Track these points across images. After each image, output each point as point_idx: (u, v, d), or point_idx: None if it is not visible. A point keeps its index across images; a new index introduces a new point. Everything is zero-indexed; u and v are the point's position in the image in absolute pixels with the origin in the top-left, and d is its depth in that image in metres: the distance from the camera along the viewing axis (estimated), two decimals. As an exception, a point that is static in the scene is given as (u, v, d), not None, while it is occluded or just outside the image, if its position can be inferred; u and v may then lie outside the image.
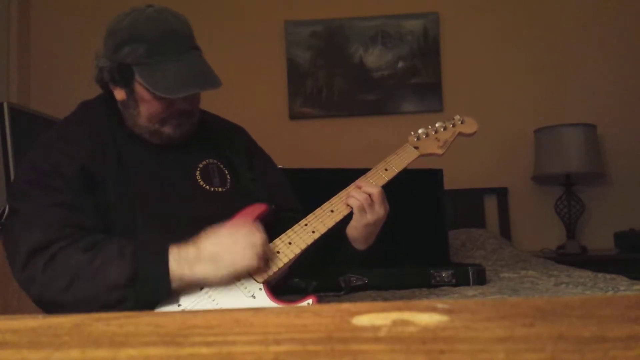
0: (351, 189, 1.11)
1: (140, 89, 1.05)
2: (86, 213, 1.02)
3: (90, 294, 0.93)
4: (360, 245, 1.13)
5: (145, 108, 1.07)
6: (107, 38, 1.07)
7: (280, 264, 1.03)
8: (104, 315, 0.29)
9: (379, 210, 1.08)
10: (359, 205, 1.08)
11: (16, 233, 1.01)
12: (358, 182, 1.12)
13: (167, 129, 1.09)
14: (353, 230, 1.11)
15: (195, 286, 0.99)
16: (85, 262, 0.94)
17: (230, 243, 0.97)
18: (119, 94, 1.09)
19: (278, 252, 1.04)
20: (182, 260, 0.95)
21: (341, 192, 1.12)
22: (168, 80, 1.02)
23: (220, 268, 0.96)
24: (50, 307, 0.98)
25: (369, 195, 1.08)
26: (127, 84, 1.07)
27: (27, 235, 0.98)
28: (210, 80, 1.06)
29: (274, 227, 1.12)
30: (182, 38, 1.06)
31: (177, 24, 1.06)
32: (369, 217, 1.08)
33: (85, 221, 1.01)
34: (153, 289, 0.94)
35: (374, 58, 3.00)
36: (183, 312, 0.30)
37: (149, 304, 0.95)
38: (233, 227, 0.99)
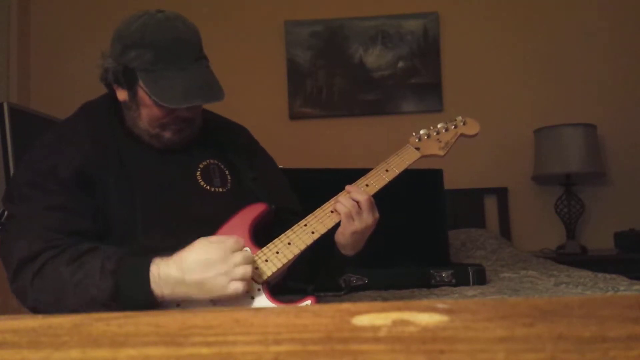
0: (340, 195, 1.10)
1: (142, 94, 1.05)
2: (82, 215, 1.02)
3: (75, 308, 0.93)
4: (348, 252, 1.11)
5: (146, 112, 1.07)
6: (115, 39, 1.06)
7: (280, 265, 1.02)
8: (104, 315, 0.29)
9: (367, 219, 1.07)
10: (346, 212, 1.06)
11: (10, 239, 1.01)
12: (348, 187, 1.11)
13: (167, 134, 1.09)
14: (340, 236, 1.09)
15: None
16: (68, 275, 0.94)
17: (218, 268, 0.92)
18: (122, 95, 1.09)
19: (277, 253, 1.04)
20: (161, 282, 0.93)
21: (342, 192, 1.12)
22: (171, 90, 1.01)
23: (205, 293, 0.93)
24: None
25: (357, 202, 1.07)
26: (130, 87, 1.07)
27: (19, 243, 0.98)
28: (213, 92, 1.05)
29: (273, 227, 1.11)
30: (189, 47, 1.05)
31: (186, 32, 1.05)
32: (357, 225, 1.06)
33: (81, 224, 1.01)
34: (132, 305, 0.93)
35: (374, 58, 3.00)
36: (183, 312, 0.30)
37: None
38: (223, 247, 0.94)
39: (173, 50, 1.03)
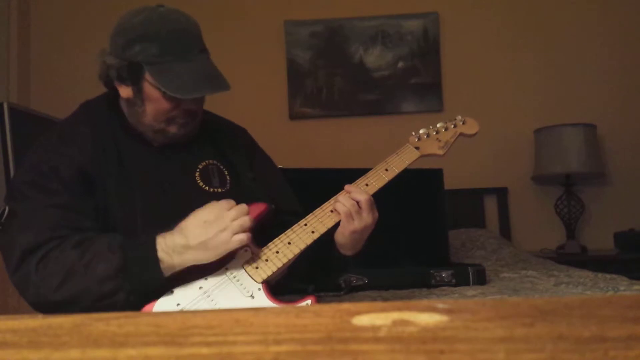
0: (340, 194, 1.10)
1: (148, 88, 1.05)
2: (83, 215, 1.02)
3: (82, 287, 0.94)
4: (347, 252, 1.11)
5: (152, 107, 1.07)
6: (116, 35, 1.06)
7: (280, 264, 1.02)
8: (104, 315, 0.29)
9: (367, 218, 1.06)
10: (346, 211, 1.06)
11: (12, 234, 1.02)
12: (347, 187, 1.11)
13: (172, 128, 1.10)
14: (340, 236, 1.09)
15: (194, 286, 0.99)
16: (76, 257, 0.95)
17: (217, 225, 0.95)
18: (125, 92, 1.09)
19: (277, 252, 1.04)
20: (169, 250, 0.95)
21: (342, 192, 1.12)
22: (180, 81, 1.02)
23: (211, 252, 0.96)
24: (45, 308, 0.98)
25: (357, 202, 1.07)
26: (135, 82, 1.06)
27: (22, 236, 0.99)
28: (221, 83, 1.06)
29: (273, 227, 1.11)
30: (193, 39, 1.06)
31: (189, 24, 1.06)
32: (356, 225, 1.06)
33: (82, 223, 1.01)
34: (144, 278, 0.95)
35: (374, 58, 3.00)
36: (183, 312, 0.30)
37: (142, 294, 0.96)
38: (217, 207, 0.98)
39: (178, 42, 1.04)
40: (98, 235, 0.99)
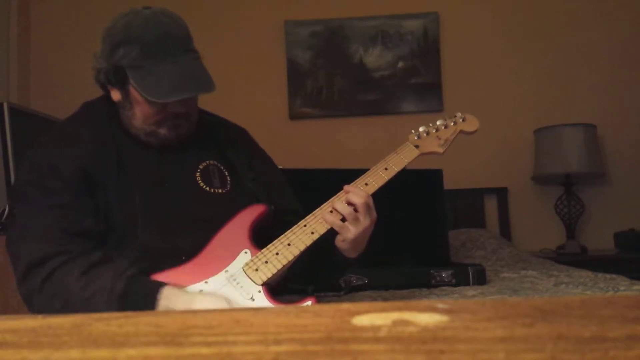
0: (340, 195, 1.08)
1: (134, 92, 1.05)
2: (85, 215, 1.02)
3: None
4: (351, 254, 1.10)
5: (139, 110, 1.07)
6: (104, 39, 1.07)
7: (279, 266, 1.02)
8: (104, 315, 0.29)
9: (364, 222, 1.05)
10: (339, 225, 1.04)
11: (16, 238, 1.01)
12: (346, 187, 1.09)
13: (162, 131, 1.09)
14: (341, 243, 1.08)
15: (194, 289, 0.99)
16: (77, 289, 0.93)
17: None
18: (115, 95, 1.10)
19: (277, 254, 1.03)
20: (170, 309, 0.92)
21: (340, 193, 1.11)
22: (159, 84, 1.01)
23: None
24: None
25: (354, 206, 1.05)
26: (122, 86, 1.07)
27: (26, 244, 0.98)
28: (203, 84, 1.04)
29: (273, 228, 1.11)
30: (176, 40, 1.05)
31: (172, 26, 1.05)
32: (354, 231, 1.04)
33: (84, 223, 1.01)
34: None
35: (374, 58, 3.00)
36: (183, 312, 0.30)
37: None
38: (228, 299, 0.95)
39: (159, 45, 1.03)
40: (104, 265, 0.96)
